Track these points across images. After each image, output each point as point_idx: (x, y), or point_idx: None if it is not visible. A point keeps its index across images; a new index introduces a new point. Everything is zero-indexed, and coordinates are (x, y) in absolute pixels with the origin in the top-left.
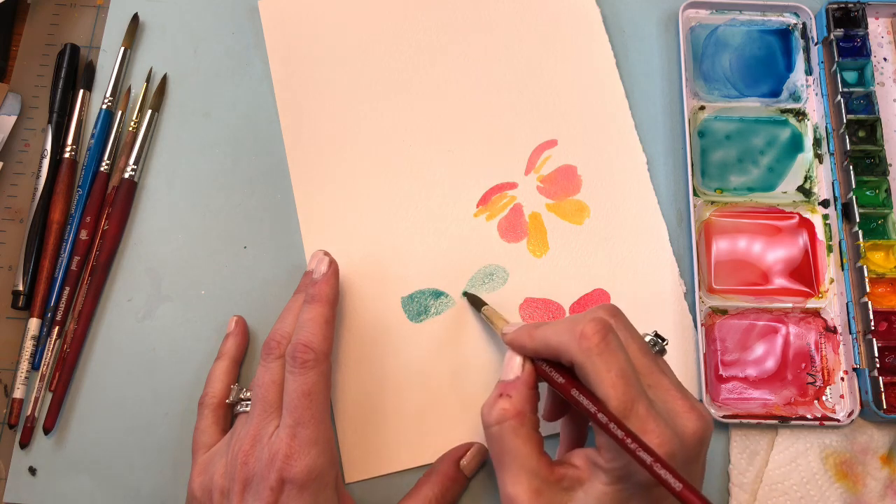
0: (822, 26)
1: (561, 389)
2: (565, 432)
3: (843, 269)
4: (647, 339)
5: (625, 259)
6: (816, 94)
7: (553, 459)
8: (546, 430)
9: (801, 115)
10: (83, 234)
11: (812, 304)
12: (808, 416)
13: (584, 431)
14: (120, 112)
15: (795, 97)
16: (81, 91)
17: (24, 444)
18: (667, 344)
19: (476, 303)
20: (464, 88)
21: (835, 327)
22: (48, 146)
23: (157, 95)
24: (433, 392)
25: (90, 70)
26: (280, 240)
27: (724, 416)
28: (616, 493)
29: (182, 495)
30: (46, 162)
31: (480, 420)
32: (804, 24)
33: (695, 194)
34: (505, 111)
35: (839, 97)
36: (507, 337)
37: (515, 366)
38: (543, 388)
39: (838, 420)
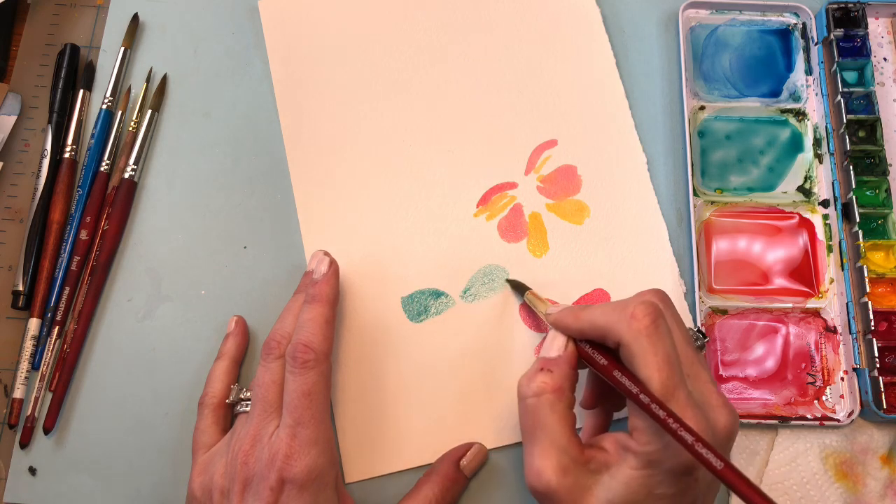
0: (822, 26)
1: (603, 370)
2: (590, 421)
3: (843, 269)
4: (689, 332)
5: (625, 259)
6: (816, 94)
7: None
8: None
9: (801, 115)
10: (83, 234)
11: (812, 304)
12: (808, 416)
13: (609, 421)
14: (120, 112)
15: (795, 97)
16: (81, 91)
17: (24, 444)
18: (707, 340)
19: (519, 287)
20: (464, 88)
21: (835, 327)
22: (48, 146)
23: (157, 95)
24: (433, 392)
25: (90, 70)
26: (280, 240)
27: None
28: (644, 479)
29: (182, 495)
30: (46, 162)
31: (484, 418)
32: (804, 24)
33: (695, 194)
34: (505, 111)
35: (839, 97)
36: (551, 317)
37: (558, 344)
38: (582, 375)
39: (838, 420)
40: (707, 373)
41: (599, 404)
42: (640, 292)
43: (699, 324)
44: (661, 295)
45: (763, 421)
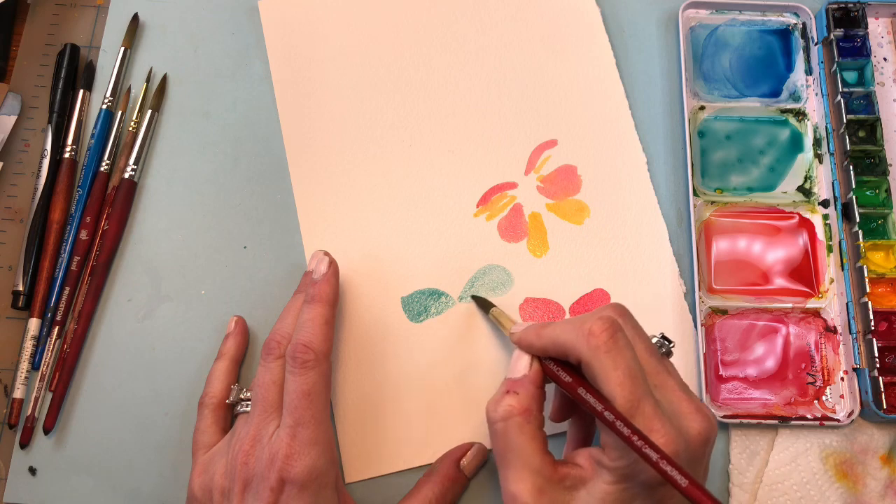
0: (822, 26)
1: (568, 388)
2: (572, 433)
3: (843, 269)
4: (654, 340)
5: (625, 259)
6: (816, 94)
7: (558, 459)
8: (549, 429)
9: (801, 115)
10: (83, 234)
11: (812, 304)
12: (808, 416)
13: (591, 432)
14: (120, 112)
15: (795, 97)
16: (81, 91)
17: (24, 444)
18: (673, 346)
19: (484, 305)
20: (464, 88)
21: (835, 327)
22: (48, 146)
23: (157, 95)
24: (433, 392)
25: (90, 70)
26: (280, 240)
27: (724, 416)
28: (619, 493)
29: (182, 495)
30: (46, 162)
31: (484, 417)
32: (804, 24)
33: (695, 194)
34: (505, 111)
35: (839, 97)
36: (514, 336)
37: (523, 364)
38: (550, 388)
39: (838, 420)
40: (675, 380)
41: (572, 416)
42: (598, 307)
43: (699, 323)
44: (620, 309)
45: (763, 421)
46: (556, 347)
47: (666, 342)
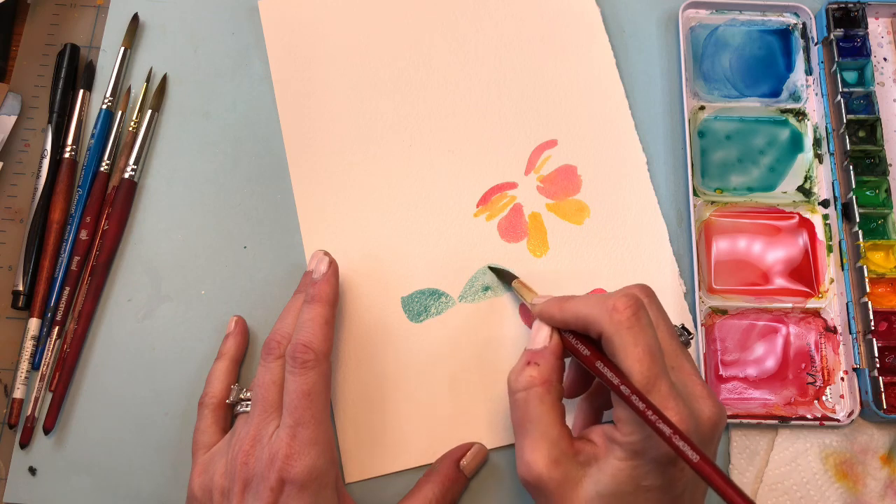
0: (822, 26)
1: (585, 361)
2: (581, 412)
3: (843, 269)
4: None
5: (625, 259)
6: (816, 94)
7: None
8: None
9: (801, 115)
10: (83, 234)
11: (812, 304)
12: (808, 416)
13: (600, 413)
14: (120, 112)
15: (795, 97)
16: (81, 91)
17: (24, 444)
18: (692, 338)
19: (504, 276)
20: (464, 88)
21: (835, 327)
22: (48, 146)
23: (157, 95)
24: (433, 392)
25: (90, 70)
26: (280, 240)
27: None
28: (631, 470)
29: (182, 495)
30: (46, 162)
31: (484, 417)
32: (804, 24)
33: (695, 194)
34: (505, 111)
35: (839, 97)
36: (536, 308)
37: (543, 336)
38: (566, 363)
39: (838, 420)
40: (691, 365)
41: (585, 392)
42: (624, 286)
43: (699, 323)
44: (646, 289)
45: (763, 421)
46: (577, 321)
47: (685, 332)
